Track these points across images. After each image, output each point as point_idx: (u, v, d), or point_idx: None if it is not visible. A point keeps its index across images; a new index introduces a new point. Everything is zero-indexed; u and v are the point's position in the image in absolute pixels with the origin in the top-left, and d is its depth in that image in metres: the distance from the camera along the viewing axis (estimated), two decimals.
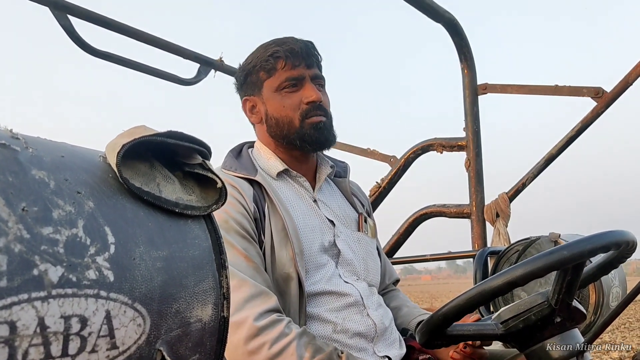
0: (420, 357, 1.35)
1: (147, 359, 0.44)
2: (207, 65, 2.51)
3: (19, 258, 0.37)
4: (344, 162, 1.59)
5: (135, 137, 0.48)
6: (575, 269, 0.93)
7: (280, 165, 1.39)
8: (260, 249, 1.25)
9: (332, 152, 1.51)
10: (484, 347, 1.29)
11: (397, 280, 1.66)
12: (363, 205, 1.56)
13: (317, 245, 1.30)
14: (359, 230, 1.45)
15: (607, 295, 1.71)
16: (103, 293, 0.41)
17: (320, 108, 1.36)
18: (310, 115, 1.35)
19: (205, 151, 0.54)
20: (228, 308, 0.51)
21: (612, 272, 1.74)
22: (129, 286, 0.43)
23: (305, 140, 1.36)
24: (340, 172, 1.54)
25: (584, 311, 0.99)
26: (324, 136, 1.37)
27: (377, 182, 2.95)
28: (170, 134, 0.50)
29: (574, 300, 0.98)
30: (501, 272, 0.93)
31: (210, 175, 0.53)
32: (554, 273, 0.95)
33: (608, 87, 2.50)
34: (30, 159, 0.42)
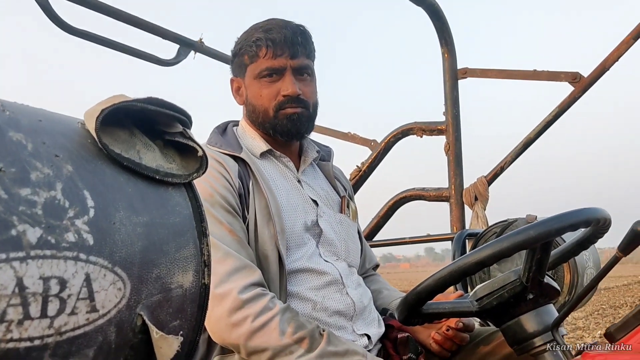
0: (399, 336, 1.36)
1: (127, 323, 0.44)
2: (186, 46, 2.48)
3: None
4: (328, 147, 1.60)
5: (114, 103, 0.47)
6: (543, 247, 0.94)
7: (264, 146, 1.39)
8: (244, 224, 1.25)
9: (313, 136, 1.51)
10: (467, 332, 1.31)
11: (377, 266, 1.68)
12: (345, 189, 1.57)
13: (299, 224, 1.31)
14: (341, 212, 1.46)
15: (582, 276, 1.75)
16: (82, 256, 0.41)
17: (297, 101, 1.35)
18: (284, 107, 1.35)
19: (185, 120, 0.53)
20: (209, 275, 0.51)
21: (587, 254, 1.78)
22: (108, 250, 0.42)
23: (277, 131, 1.37)
24: (324, 156, 1.54)
25: (557, 287, 1.01)
26: (296, 128, 1.37)
27: (357, 166, 2.96)
28: (150, 101, 0.50)
29: (547, 277, 1.00)
30: (470, 252, 0.95)
31: (190, 143, 0.53)
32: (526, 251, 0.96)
33: (585, 72, 2.55)
34: (7, 121, 0.42)
